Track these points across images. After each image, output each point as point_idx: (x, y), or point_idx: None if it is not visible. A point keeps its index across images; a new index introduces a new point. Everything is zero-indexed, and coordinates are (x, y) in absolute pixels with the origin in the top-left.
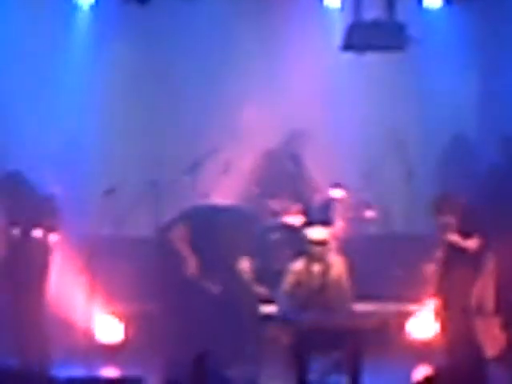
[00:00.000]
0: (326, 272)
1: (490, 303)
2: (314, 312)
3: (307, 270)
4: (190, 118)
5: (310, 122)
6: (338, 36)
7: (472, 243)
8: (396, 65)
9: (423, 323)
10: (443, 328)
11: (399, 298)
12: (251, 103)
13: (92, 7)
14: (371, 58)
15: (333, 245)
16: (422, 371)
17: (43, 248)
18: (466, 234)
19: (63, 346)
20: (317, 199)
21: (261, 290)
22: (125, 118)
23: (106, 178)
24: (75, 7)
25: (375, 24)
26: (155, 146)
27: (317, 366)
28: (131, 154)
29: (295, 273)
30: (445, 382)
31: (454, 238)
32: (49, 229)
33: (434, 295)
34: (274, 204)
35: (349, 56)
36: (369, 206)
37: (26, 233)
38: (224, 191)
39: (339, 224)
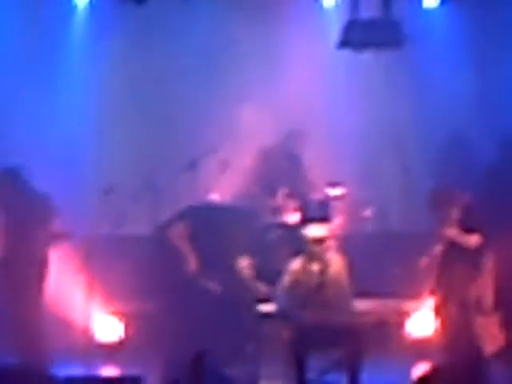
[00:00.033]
0: (324, 270)
1: (489, 301)
2: (313, 310)
3: (306, 268)
4: (188, 118)
5: (307, 121)
6: (335, 35)
7: (472, 240)
8: (393, 63)
9: (422, 321)
10: (442, 325)
11: (398, 296)
12: (249, 102)
13: (89, 7)
14: (368, 56)
15: (331, 243)
16: (421, 369)
17: (42, 248)
18: (466, 231)
19: (62, 345)
20: (315, 197)
21: (260, 288)
22: (122, 117)
23: (105, 177)
24: (72, 7)
25: (372, 21)
26: (153, 146)
27: (316, 365)
28: (129, 154)
29: (294, 271)
30: (444, 379)
31: (454, 233)
32: (47, 229)
33: (433, 292)
34: (273, 202)
35: (346, 55)
36: (367, 204)
37: (24, 232)
38: (223, 190)
39: (337, 222)
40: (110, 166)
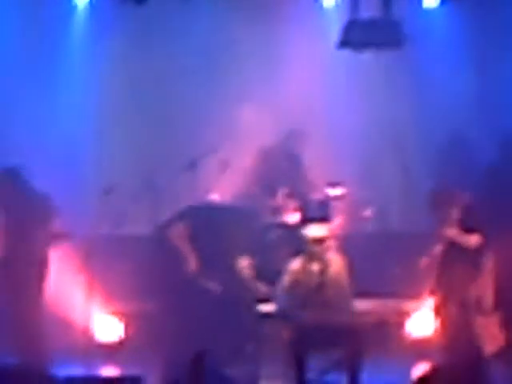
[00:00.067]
0: (324, 270)
1: (489, 301)
2: (313, 310)
3: (306, 268)
4: (188, 118)
5: (307, 121)
6: (335, 35)
7: (472, 240)
8: (393, 63)
9: (422, 321)
10: (442, 325)
11: (398, 296)
12: (249, 102)
13: (89, 7)
14: (368, 56)
15: (331, 243)
16: (421, 369)
17: (42, 248)
18: (466, 231)
19: (62, 345)
20: (315, 197)
21: (260, 288)
22: (122, 118)
23: (105, 177)
24: (72, 7)
25: (372, 21)
26: (153, 146)
27: (316, 365)
28: (129, 154)
29: (294, 271)
30: (444, 379)
31: (454, 232)
32: (47, 229)
33: (433, 292)
34: (273, 202)
35: (346, 55)
36: (367, 204)
37: (24, 232)
38: (222, 190)
39: (337, 222)
40: (109, 166)
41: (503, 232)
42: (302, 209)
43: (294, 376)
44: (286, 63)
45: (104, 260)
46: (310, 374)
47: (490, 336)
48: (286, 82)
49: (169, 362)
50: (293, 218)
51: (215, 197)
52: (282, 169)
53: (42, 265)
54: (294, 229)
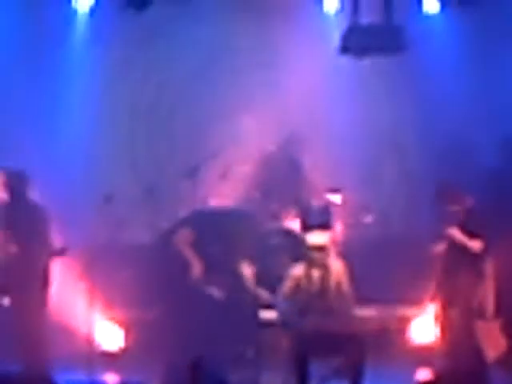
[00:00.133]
0: (325, 277)
1: (490, 307)
2: (314, 317)
3: (307, 274)
4: (189, 123)
5: (308, 126)
6: (336, 41)
7: (475, 244)
8: (394, 69)
9: (424, 327)
10: (444, 331)
11: (399, 302)
12: (250, 108)
13: (90, 13)
14: (369, 62)
15: (332, 249)
16: (423, 375)
17: (43, 256)
18: (468, 235)
19: (64, 353)
20: (316, 203)
21: (261, 294)
22: (123, 124)
23: (105, 184)
24: (73, 13)
25: (372, 27)
26: (154, 152)
27: (317, 371)
28: (129, 161)
29: (295, 277)
30: None
31: (456, 233)
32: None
33: (435, 298)
34: (274, 208)
35: (347, 60)
36: (367, 210)
37: (25, 242)
38: (223, 196)
39: (338, 228)
40: (109, 174)
41: (504, 236)
42: (303, 215)
43: (295, 383)
44: (287, 68)
45: (105, 268)
46: (312, 381)
47: (491, 342)
48: (287, 88)
49: (170, 369)
50: (294, 224)
51: (216, 203)
52: (282, 174)
53: (43, 274)
54: (295, 235)
